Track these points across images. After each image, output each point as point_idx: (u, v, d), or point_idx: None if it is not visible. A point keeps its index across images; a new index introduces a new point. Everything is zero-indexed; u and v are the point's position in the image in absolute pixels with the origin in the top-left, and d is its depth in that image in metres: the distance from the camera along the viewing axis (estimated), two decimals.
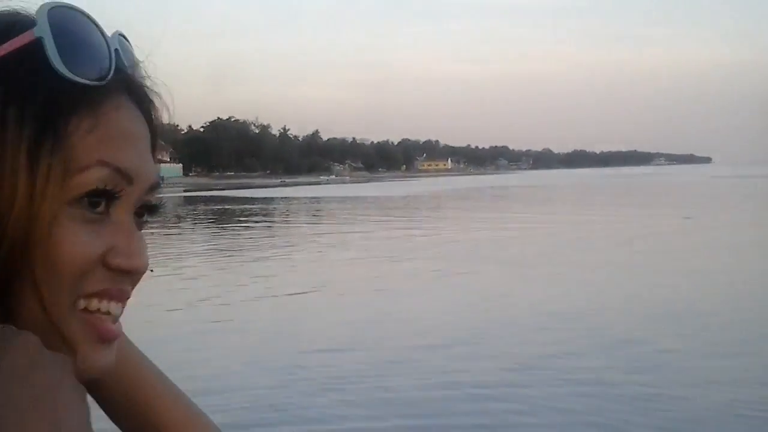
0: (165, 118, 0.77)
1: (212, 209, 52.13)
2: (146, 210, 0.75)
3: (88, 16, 0.71)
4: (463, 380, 8.90)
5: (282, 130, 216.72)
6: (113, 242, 0.69)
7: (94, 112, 0.68)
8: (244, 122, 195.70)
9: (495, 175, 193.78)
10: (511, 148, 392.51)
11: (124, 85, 0.72)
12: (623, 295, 14.64)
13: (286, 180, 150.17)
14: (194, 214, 47.61)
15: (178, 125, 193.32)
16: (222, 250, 24.82)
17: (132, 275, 0.71)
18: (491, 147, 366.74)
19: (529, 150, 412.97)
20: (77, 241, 0.67)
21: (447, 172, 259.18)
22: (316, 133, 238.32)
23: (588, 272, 17.69)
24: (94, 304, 0.69)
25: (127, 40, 0.75)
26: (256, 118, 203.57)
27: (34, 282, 0.66)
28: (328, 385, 8.67)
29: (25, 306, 0.67)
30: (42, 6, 0.68)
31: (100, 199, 0.68)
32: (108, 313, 0.70)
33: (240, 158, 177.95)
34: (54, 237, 0.66)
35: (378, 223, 35.57)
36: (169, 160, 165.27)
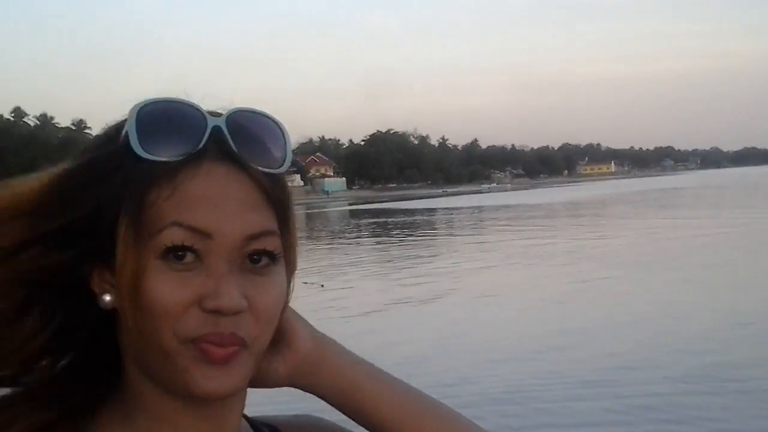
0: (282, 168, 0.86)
1: (376, 222, 53.64)
2: (263, 255, 0.83)
3: (183, 103, 0.84)
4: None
5: (441, 140, 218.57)
6: (204, 287, 0.80)
7: (172, 183, 0.80)
8: (403, 134, 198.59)
9: (661, 177, 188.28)
10: (676, 148, 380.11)
11: (219, 154, 0.83)
12: None
13: (448, 189, 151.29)
14: (360, 227, 49.17)
15: (339, 140, 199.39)
16: (391, 265, 25.93)
17: (223, 315, 0.80)
18: (656, 148, 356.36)
19: (696, 149, 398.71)
20: (166, 289, 0.79)
21: (610, 175, 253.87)
22: (475, 142, 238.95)
23: None
24: (202, 345, 0.80)
25: (256, 113, 0.87)
26: (415, 129, 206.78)
27: (137, 329, 0.80)
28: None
29: (132, 348, 0.83)
30: (135, 105, 0.82)
31: (184, 252, 0.80)
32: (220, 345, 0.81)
33: (401, 170, 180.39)
34: (144, 287, 0.79)
35: (550, 230, 35.79)
36: (333, 174, 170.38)
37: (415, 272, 22.59)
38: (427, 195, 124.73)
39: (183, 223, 0.80)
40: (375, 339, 12.17)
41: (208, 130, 0.83)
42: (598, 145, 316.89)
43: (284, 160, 0.87)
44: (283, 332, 0.93)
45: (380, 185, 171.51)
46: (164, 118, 0.83)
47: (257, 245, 0.83)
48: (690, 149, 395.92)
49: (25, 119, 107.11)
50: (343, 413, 0.99)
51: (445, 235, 40.95)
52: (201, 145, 0.82)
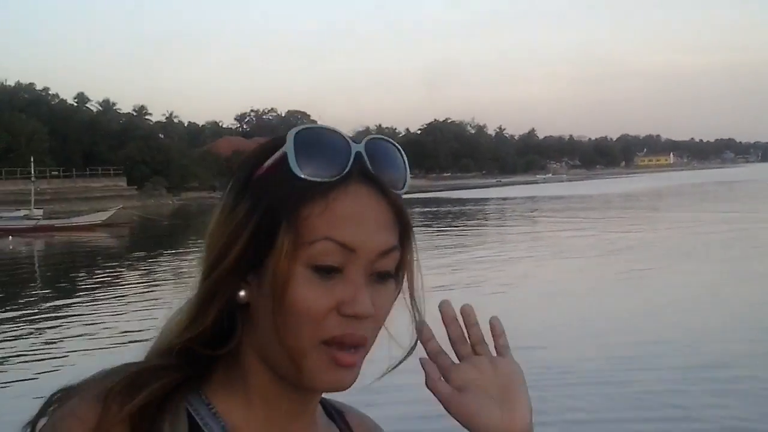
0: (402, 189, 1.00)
1: (432, 211, 53.99)
2: (386, 276, 0.98)
3: (334, 130, 0.99)
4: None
5: (498, 130, 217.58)
6: (343, 296, 0.94)
7: (325, 200, 0.94)
8: (460, 123, 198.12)
9: (720, 170, 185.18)
10: (737, 140, 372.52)
11: (361, 177, 0.96)
12: None
13: (502, 179, 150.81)
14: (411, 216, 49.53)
15: (396, 129, 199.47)
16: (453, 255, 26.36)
17: (363, 319, 0.95)
18: (716, 140, 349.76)
19: (758, 141, 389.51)
20: (310, 295, 0.93)
21: (668, 167, 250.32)
22: (532, 132, 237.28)
23: None
24: (339, 345, 0.95)
25: (386, 141, 1.02)
26: (472, 119, 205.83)
27: (275, 326, 0.95)
28: None
29: (261, 340, 0.99)
30: (292, 129, 0.97)
31: (333, 271, 0.94)
32: (352, 351, 0.96)
33: (456, 159, 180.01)
34: (292, 292, 0.93)
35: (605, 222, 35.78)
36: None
37: (455, 260, 22.93)
38: (482, 185, 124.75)
39: (334, 238, 0.93)
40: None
41: (353, 155, 0.96)
42: (658, 136, 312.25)
43: (405, 183, 1.01)
44: (510, 393, 1.04)
45: (435, 174, 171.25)
46: (316, 142, 0.96)
47: (386, 261, 0.97)
48: (752, 141, 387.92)
49: (87, 105, 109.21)
50: None
51: (491, 225, 41.08)
52: (347, 169, 0.95)
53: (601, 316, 13.96)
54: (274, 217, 0.94)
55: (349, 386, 0.97)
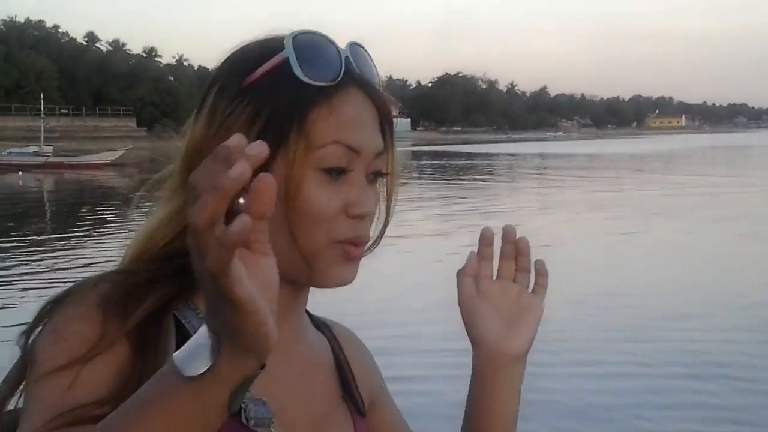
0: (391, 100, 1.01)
1: (437, 164, 53.86)
2: (379, 175, 1.02)
3: (324, 36, 0.98)
4: None
5: (509, 86, 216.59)
6: (349, 196, 0.97)
7: (330, 104, 0.95)
8: (472, 78, 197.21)
9: (732, 134, 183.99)
10: (750, 105, 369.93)
11: (354, 81, 0.98)
12: None
13: (513, 136, 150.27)
14: (421, 168, 49.47)
15: (406, 80, 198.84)
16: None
17: (366, 219, 0.99)
18: (729, 104, 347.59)
19: None
20: (322, 197, 0.95)
21: (680, 129, 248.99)
22: (543, 89, 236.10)
23: None
24: (345, 246, 0.98)
25: (362, 47, 1.03)
26: (484, 74, 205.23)
27: (287, 226, 0.95)
28: None
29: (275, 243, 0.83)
30: (288, 35, 0.96)
31: (342, 171, 0.97)
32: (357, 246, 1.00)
33: (467, 113, 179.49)
34: (304, 194, 0.94)
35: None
36: (398, 114, 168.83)
37: (465, 212, 22.89)
38: (491, 140, 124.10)
39: (342, 141, 0.95)
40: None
41: (343, 60, 0.98)
42: (670, 98, 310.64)
43: (381, 87, 1.04)
44: (521, 323, 1.12)
45: (445, 128, 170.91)
46: (314, 47, 0.97)
47: (379, 162, 1.01)
48: (764, 107, 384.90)
49: (97, 44, 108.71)
50: (469, 405, 1.15)
51: (496, 180, 40.96)
52: (342, 73, 0.97)
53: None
54: (280, 123, 0.95)
55: (353, 280, 1.01)
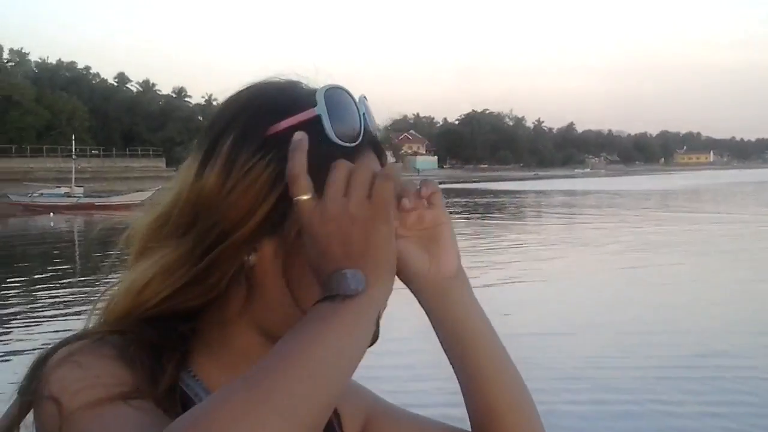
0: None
1: (464, 201, 53.88)
2: None
3: (348, 92, 0.95)
4: None
5: (536, 122, 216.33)
6: None
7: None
8: (499, 114, 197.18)
9: (761, 170, 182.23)
10: None
11: (368, 140, 0.97)
12: None
13: (540, 173, 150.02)
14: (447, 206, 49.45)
15: (433, 118, 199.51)
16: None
17: None
18: (758, 139, 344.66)
19: None
20: None
21: (708, 165, 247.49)
22: (570, 125, 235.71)
23: None
24: None
25: (367, 101, 0.99)
26: (511, 111, 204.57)
27: (297, 289, 0.93)
28: None
29: (262, 307, 0.97)
30: (321, 89, 0.93)
31: None
32: None
33: (494, 151, 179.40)
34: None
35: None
36: (425, 152, 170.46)
37: (485, 250, 22.87)
38: (519, 177, 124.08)
39: None
40: None
41: (362, 117, 0.96)
42: (698, 133, 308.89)
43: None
44: (438, 242, 1.04)
45: (472, 165, 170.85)
46: (343, 105, 0.94)
47: None
48: None
49: (128, 85, 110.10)
50: (440, 340, 1.08)
51: (524, 217, 40.87)
52: (362, 132, 0.95)
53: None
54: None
55: None
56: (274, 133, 0.92)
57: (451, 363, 1.09)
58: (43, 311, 14.57)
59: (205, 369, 0.98)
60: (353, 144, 0.94)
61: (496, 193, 67.34)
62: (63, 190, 49.23)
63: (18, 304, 16.03)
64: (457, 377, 1.09)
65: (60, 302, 15.35)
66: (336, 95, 0.94)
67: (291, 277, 0.93)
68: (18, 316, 14.32)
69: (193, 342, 0.97)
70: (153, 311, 0.95)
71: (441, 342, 1.08)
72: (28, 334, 12.35)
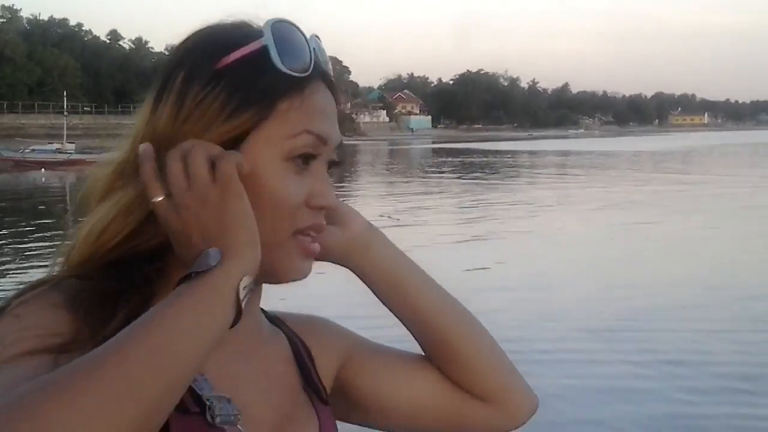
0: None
1: (457, 161, 53.85)
2: (333, 164, 1.02)
3: (296, 26, 0.98)
4: None
5: (531, 83, 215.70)
6: (312, 188, 0.97)
7: (302, 95, 0.96)
8: (493, 75, 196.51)
9: (756, 131, 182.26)
10: None
11: (320, 74, 1.00)
12: None
13: (534, 133, 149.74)
14: (440, 165, 49.47)
15: (427, 78, 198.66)
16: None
17: (326, 210, 1.01)
18: (752, 101, 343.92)
19: None
20: (289, 187, 0.95)
21: (702, 127, 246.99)
22: (565, 86, 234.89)
23: None
24: (304, 234, 0.98)
25: (320, 40, 1.03)
26: (506, 71, 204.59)
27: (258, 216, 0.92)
28: None
29: None
30: (267, 21, 0.96)
31: (312, 158, 0.97)
32: (312, 241, 1.00)
33: (488, 111, 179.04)
34: (271, 184, 0.94)
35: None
36: (419, 112, 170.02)
37: (481, 211, 22.93)
38: (513, 137, 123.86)
39: (312, 130, 0.96)
40: None
41: (312, 51, 0.98)
42: (693, 95, 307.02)
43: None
44: (340, 214, 1.10)
45: (466, 125, 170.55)
46: (292, 37, 0.97)
47: (337, 151, 1.02)
48: None
49: (120, 42, 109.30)
50: (378, 296, 1.14)
51: (518, 177, 40.90)
52: (312, 64, 0.97)
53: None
54: (252, 110, 0.94)
55: (308, 274, 1.01)
56: (223, 66, 0.94)
57: (396, 313, 1.14)
58: (30, 262, 14.60)
59: None
60: (302, 75, 0.96)
61: (493, 153, 67.21)
62: (54, 146, 49.08)
63: (6, 254, 16.08)
64: (406, 325, 1.15)
65: (48, 254, 15.39)
66: (283, 28, 0.97)
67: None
68: (6, 267, 14.34)
69: (158, 283, 0.97)
70: (115, 253, 0.95)
71: (381, 297, 1.14)
72: (18, 284, 12.39)
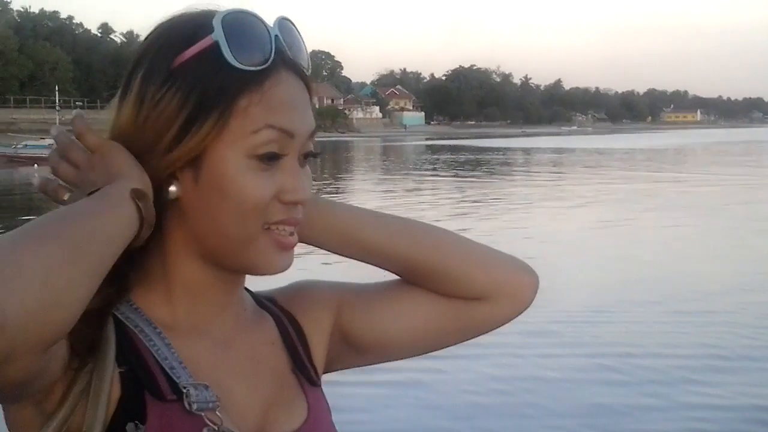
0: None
1: (450, 158, 53.67)
2: (308, 155, 1.00)
3: (254, 15, 0.95)
4: None
5: (524, 79, 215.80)
6: (283, 183, 0.95)
7: (261, 89, 0.93)
8: (486, 71, 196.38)
9: (747, 129, 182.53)
10: (766, 100, 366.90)
11: (284, 62, 0.96)
12: None
13: (527, 130, 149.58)
14: (434, 162, 49.24)
15: (420, 74, 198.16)
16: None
17: (299, 205, 0.98)
18: (744, 99, 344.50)
19: None
20: (255, 185, 0.94)
21: (695, 124, 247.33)
22: (558, 83, 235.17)
23: None
24: (278, 227, 0.97)
25: (290, 22, 1.00)
26: (498, 67, 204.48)
27: (218, 217, 0.95)
28: None
29: (199, 234, 0.99)
30: (217, 15, 0.93)
31: (276, 157, 0.95)
32: (288, 234, 0.98)
33: (481, 107, 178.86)
34: (237, 182, 0.93)
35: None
36: (412, 108, 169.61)
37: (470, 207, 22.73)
38: (506, 134, 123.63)
39: (275, 125, 0.94)
40: None
41: (273, 41, 0.95)
42: (685, 92, 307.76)
43: (309, 63, 1.02)
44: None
45: (459, 122, 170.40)
46: (244, 29, 0.94)
47: (311, 142, 0.99)
48: None
49: (111, 36, 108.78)
50: (342, 253, 1.13)
51: (510, 175, 40.75)
52: (272, 55, 0.94)
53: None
54: (210, 109, 0.93)
55: (289, 267, 1.00)
56: (178, 65, 0.94)
57: (364, 261, 1.13)
58: None
59: (149, 300, 1.00)
60: (259, 68, 0.94)
61: (486, 150, 67.03)
62: (47, 141, 48.54)
63: None
64: (380, 266, 1.15)
65: None
66: (236, 19, 0.94)
67: (211, 204, 0.95)
68: None
69: (137, 277, 0.99)
70: None
71: (343, 253, 1.13)
72: None
